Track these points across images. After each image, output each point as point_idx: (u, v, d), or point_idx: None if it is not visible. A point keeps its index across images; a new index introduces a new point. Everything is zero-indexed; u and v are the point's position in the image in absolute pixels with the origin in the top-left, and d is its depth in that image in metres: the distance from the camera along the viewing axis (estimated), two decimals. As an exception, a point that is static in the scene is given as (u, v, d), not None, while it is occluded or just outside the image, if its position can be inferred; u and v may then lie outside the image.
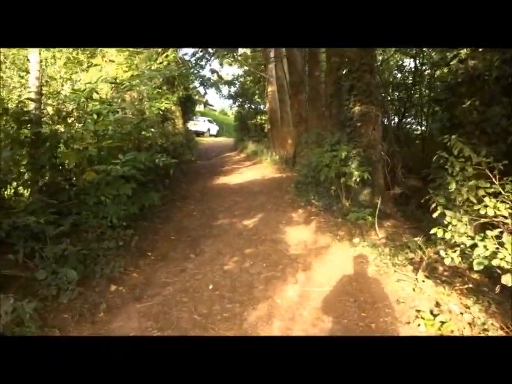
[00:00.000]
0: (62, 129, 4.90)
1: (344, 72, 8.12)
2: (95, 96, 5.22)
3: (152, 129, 8.92)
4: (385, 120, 10.70)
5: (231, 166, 14.21)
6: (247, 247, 5.36)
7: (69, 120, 4.92)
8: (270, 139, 16.86)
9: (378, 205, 5.90)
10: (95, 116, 4.63)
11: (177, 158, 10.98)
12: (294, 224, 6.52)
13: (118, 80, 5.38)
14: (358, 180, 6.96)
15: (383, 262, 4.58)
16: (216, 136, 28.89)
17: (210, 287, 4.12)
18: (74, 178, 4.91)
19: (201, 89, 21.03)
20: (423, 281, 4.03)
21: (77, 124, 5.00)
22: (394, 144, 9.45)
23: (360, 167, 6.98)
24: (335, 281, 4.31)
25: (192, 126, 25.16)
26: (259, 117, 21.22)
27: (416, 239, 4.90)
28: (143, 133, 7.48)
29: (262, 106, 20.54)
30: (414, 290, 3.92)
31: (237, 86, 21.43)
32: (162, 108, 9.85)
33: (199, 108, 34.62)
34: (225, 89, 22.06)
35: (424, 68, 12.07)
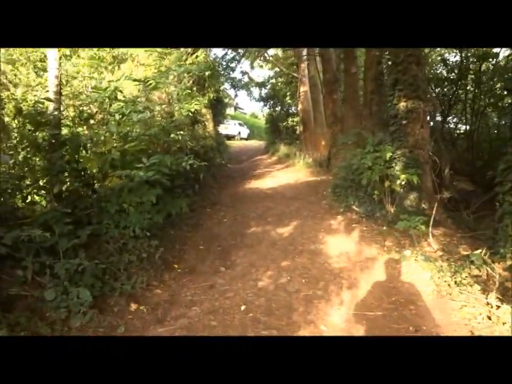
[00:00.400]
0: (85, 132, 4.55)
1: (386, 65, 7.42)
2: (119, 96, 4.87)
3: (181, 132, 8.57)
4: (429, 118, 9.86)
5: (262, 170, 13.70)
6: (283, 259, 4.80)
7: (91, 122, 4.55)
8: (303, 141, 16.23)
9: (434, 212, 5.18)
10: (117, 117, 4.24)
11: (207, 162, 10.63)
12: (333, 232, 5.89)
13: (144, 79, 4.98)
14: (403, 183, 6.27)
15: (444, 280, 3.89)
16: (246, 139, 28.54)
17: (243, 308, 3.59)
18: (96, 185, 4.54)
19: (231, 92, 20.72)
20: (498, 306, 3.33)
21: (100, 126, 4.63)
22: (441, 144, 8.62)
23: (406, 169, 6.28)
24: (388, 303, 3.68)
25: (223, 129, 24.95)
26: (291, 119, 20.64)
27: (478, 251, 4.18)
28: (172, 135, 7.07)
29: (293, 108, 19.92)
30: (490, 318, 3.22)
31: (268, 87, 20.95)
32: (192, 110, 9.52)
33: (230, 111, 34.47)
34: (256, 92, 21.68)
35: (469, 61, 11.13)
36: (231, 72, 16.36)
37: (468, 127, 11.97)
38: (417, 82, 6.50)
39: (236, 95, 20.11)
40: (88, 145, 4.39)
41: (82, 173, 4.57)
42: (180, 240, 5.43)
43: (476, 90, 11.36)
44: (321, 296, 3.84)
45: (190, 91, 9.73)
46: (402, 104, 6.61)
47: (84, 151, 4.35)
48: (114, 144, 4.41)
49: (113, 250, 3.96)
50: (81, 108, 4.62)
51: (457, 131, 12.90)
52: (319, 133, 14.41)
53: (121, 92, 4.92)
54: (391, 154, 6.32)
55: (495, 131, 11.97)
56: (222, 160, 14.08)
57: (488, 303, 3.41)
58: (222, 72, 15.33)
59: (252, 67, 19.63)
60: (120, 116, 4.25)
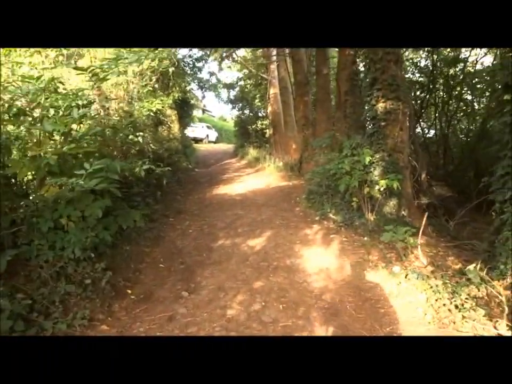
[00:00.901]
0: (14, 131, 3.72)
1: (364, 64, 6.95)
2: (60, 88, 4.06)
3: (142, 133, 7.76)
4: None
5: (231, 174, 13.02)
6: (256, 279, 4.14)
7: (24, 119, 3.71)
8: (273, 144, 15.69)
9: (423, 223, 4.68)
10: (52, 112, 3.45)
11: (171, 166, 9.83)
12: (310, 244, 5.30)
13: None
14: (383, 189, 5.78)
15: (442, 303, 3.35)
16: (215, 142, 27.75)
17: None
18: (30, 196, 3.72)
19: (199, 93, 19.92)
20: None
21: (34, 124, 3.80)
22: (417, 147, 8.28)
23: (386, 174, 5.81)
24: (383, 333, 3.09)
25: (190, 132, 24.08)
26: (260, 122, 20.10)
27: (472, 266, 3.68)
28: (130, 136, 6.26)
29: (263, 111, 19.39)
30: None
31: (237, 89, 20.32)
32: (154, 110, 8.73)
33: (197, 113, 33.58)
34: (224, 94, 21.00)
35: (440, 65, 10.96)
36: (198, 72, 15.58)
37: (438, 132, 11.81)
38: (397, 82, 6.06)
39: (204, 97, 19.35)
40: (19, 146, 3.59)
41: (13, 180, 3.75)
42: (136, 258, 4.65)
43: (445, 95, 11.23)
44: (303, 326, 3.21)
45: (152, 89, 8.94)
46: (380, 105, 6.14)
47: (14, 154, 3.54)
48: (52, 146, 3.61)
49: (47, 278, 3.17)
50: (11, 102, 3.77)
51: (427, 135, 12.77)
52: (290, 136, 13.91)
53: (62, 83, 4.12)
54: (370, 158, 5.83)
55: (463, 136, 11.88)
56: (189, 164, 13.31)
57: (499, 334, 2.90)
58: (189, 72, 14.54)
59: (220, 68, 18.94)
60: (57, 111, 3.46)
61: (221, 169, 14.43)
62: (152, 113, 8.05)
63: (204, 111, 35.60)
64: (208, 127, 27.27)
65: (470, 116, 11.40)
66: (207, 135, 26.38)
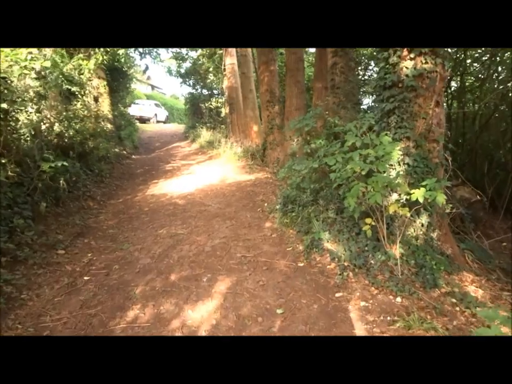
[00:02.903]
0: None
1: None
2: None
3: (24, 107, 4.79)
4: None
5: (178, 162, 10.17)
6: None
7: None
8: (229, 126, 12.94)
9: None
10: None
11: (87, 156, 6.87)
12: (314, 328, 2.79)
13: None
14: (407, 201, 3.39)
15: None
16: (165, 122, 24.32)
17: None
18: None
19: (141, 64, 16.50)
20: None
21: None
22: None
23: (413, 178, 3.42)
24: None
25: (136, 110, 20.62)
26: (215, 99, 17.15)
27: None
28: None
29: (218, 87, 16.40)
30: None
31: (188, 61, 17.09)
32: (54, 72, 5.78)
33: (145, 90, 29.73)
34: (174, 66, 17.67)
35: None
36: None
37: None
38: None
39: (147, 68, 15.87)
40: None
41: None
42: None
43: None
44: None
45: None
46: (407, 64, 3.66)
47: None
48: None
49: None
50: None
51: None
52: (251, 116, 11.20)
53: None
54: (400, 153, 3.38)
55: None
56: (123, 150, 10.27)
57: None
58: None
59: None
60: None
61: (166, 156, 11.49)
62: (34, 75, 5.07)
63: (153, 87, 31.72)
64: (156, 105, 23.70)
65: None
66: (156, 114, 22.86)
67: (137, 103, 21.60)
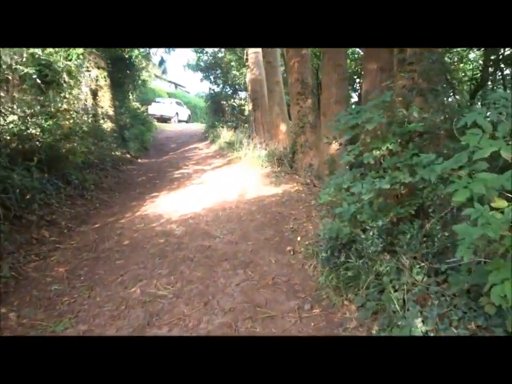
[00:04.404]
0: None
1: None
2: None
3: None
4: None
5: (190, 168, 8.40)
6: None
7: None
8: (252, 124, 11.08)
9: None
10: None
11: (57, 162, 5.13)
12: None
13: None
14: None
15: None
16: (187, 122, 22.74)
17: None
18: None
19: (156, 57, 14.91)
20: None
21: None
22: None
23: None
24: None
25: (156, 109, 19.13)
26: (239, 97, 15.32)
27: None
28: None
29: (241, 78, 14.53)
30: None
31: (208, 54, 15.32)
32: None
33: (169, 88, 28.33)
34: (194, 60, 15.96)
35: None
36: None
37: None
38: None
39: (162, 61, 14.16)
40: None
41: None
42: None
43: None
44: None
45: None
46: None
47: None
48: None
49: None
50: None
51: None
52: (277, 113, 9.26)
53: None
54: None
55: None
56: (127, 153, 8.60)
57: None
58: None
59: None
60: None
61: (179, 159, 9.75)
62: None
63: (176, 85, 30.26)
64: (178, 103, 22.14)
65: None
66: (177, 113, 21.30)
67: (157, 101, 20.13)
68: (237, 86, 15.34)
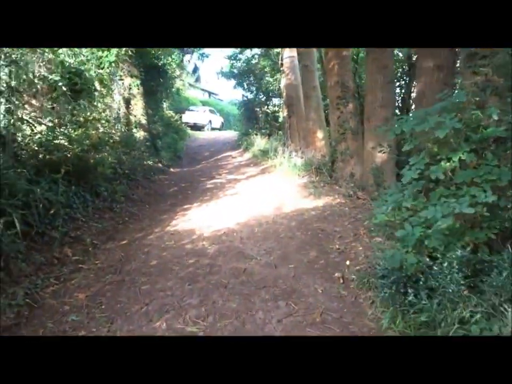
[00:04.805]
0: None
1: None
2: None
3: None
4: None
5: (224, 177, 8.05)
6: None
7: None
8: (287, 131, 10.63)
9: None
10: None
11: (86, 174, 4.83)
12: None
13: None
14: None
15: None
16: (220, 129, 22.65)
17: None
18: None
19: (189, 65, 14.80)
20: None
21: None
22: None
23: None
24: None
25: (190, 117, 19.13)
26: (272, 103, 14.91)
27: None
28: None
29: (275, 84, 14.11)
30: None
31: (241, 60, 15.05)
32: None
33: (203, 96, 28.45)
34: (226, 67, 15.77)
35: None
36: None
37: None
38: None
39: (196, 68, 13.89)
40: None
41: None
42: None
43: None
44: None
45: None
46: None
47: None
48: None
49: None
50: None
51: None
52: (314, 119, 8.76)
53: None
54: None
55: None
56: (159, 163, 8.38)
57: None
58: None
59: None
60: None
61: (212, 168, 9.44)
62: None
63: (210, 93, 30.37)
64: (211, 111, 22.11)
65: None
66: (210, 121, 21.26)
67: (191, 110, 20.15)
68: (270, 93, 14.95)
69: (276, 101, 14.77)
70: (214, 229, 4.34)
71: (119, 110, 7.45)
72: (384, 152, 4.48)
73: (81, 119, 4.74)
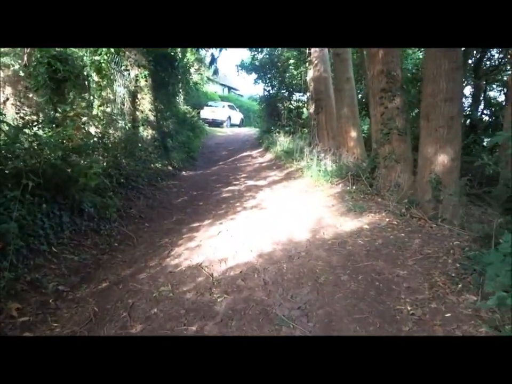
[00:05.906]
0: None
1: None
2: None
3: None
4: None
5: (242, 183, 6.86)
6: None
7: None
8: (314, 130, 9.35)
9: None
10: None
11: (65, 186, 3.64)
12: None
13: None
14: None
15: None
16: (239, 126, 21.47)
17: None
18: None
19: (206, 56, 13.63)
20: None
21: None
22: None
23: None
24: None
25: (208, 113, 18.03)
26: (296, 98, 13.61)
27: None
28: None
29: (299, 82, 12.78)
30: None
31: (263, 53, 13.75)
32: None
33: (222, 91, 27.31)
34: (247, 59, 14.51)
35: None
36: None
37: None
38: None
39: (214, 60, 12.77)
40: None
41: None
42: None
43: None
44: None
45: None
46: None
47: None
48: None
49: None
50: None
51: None
52: (347, 116, 7.43)
53: None
54: None
55: None
56: (168, 165, 7.26)
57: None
58: None
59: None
60: None
61: (230, 171, 8.28)
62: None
63: (229, 88, 29.18)
64: (230, 107, 20.93)
65: None
66: (229, 117, 20.09)
67: (209, 105, 19.04)
68: (294, 87, 13.66)
69: (299, 96, 13.47)
70: (228, 266, 3.18)
71: (123, 105, 6.36)
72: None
73: (58, 115, 3.64)
